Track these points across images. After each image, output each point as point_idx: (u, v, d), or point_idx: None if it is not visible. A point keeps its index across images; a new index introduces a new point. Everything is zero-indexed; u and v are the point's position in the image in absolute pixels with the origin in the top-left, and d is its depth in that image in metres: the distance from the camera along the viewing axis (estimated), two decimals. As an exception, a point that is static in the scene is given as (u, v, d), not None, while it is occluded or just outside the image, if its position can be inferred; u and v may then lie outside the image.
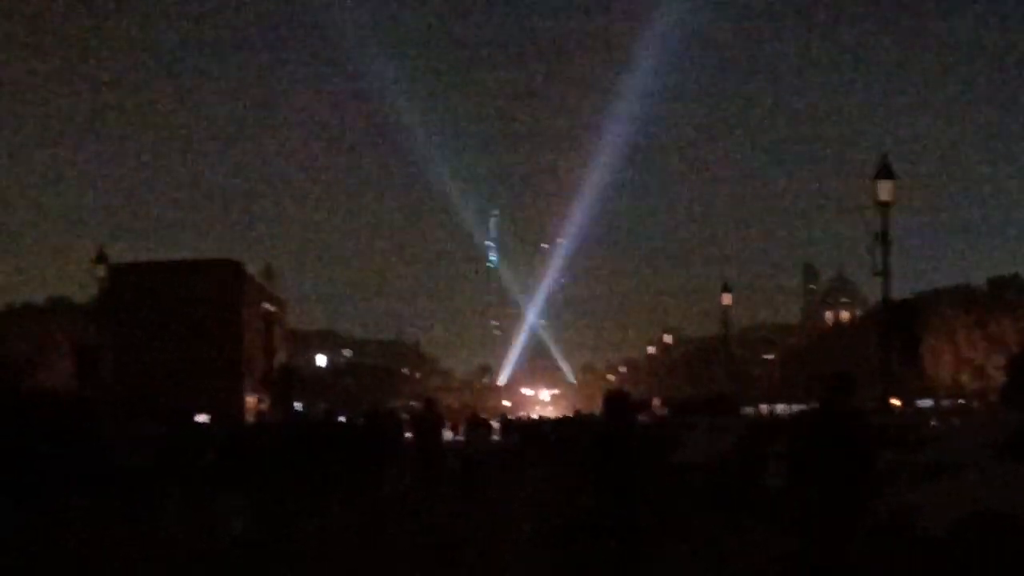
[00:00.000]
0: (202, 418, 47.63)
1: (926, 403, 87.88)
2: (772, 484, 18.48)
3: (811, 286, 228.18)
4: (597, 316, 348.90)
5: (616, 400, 8.77)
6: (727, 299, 52.71)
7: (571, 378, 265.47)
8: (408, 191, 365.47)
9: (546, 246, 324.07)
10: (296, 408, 37.89)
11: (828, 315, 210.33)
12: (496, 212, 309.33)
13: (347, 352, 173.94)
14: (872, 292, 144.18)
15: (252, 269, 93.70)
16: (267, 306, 79.94)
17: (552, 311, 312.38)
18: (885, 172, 27.50)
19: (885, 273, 26.87)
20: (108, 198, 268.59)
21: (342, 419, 26.48)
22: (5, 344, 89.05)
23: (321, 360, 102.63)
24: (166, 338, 70.33)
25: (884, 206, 27.30)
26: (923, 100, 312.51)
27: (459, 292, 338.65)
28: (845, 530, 7.50)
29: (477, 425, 30.32)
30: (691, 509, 18.78)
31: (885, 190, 27.38)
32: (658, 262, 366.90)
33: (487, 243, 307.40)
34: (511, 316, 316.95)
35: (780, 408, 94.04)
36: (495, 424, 52.98)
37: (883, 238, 26.89)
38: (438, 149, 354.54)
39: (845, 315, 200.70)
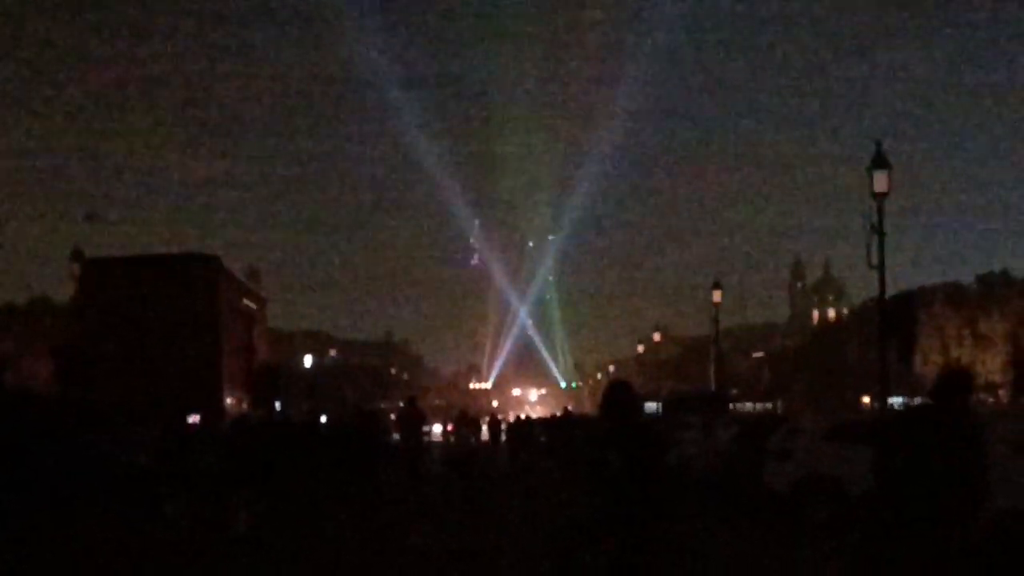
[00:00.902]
0: (193, 419, 47.07)
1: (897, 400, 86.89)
2: (773, 486, 18.02)
3: (799, 284, 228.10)
4: (586, 315, 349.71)
5: (620, 392, 7.82)
6: (717, 296, 52.08)
7: (559, 377, 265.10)
8: (396, 190, 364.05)
9: (533, 244, 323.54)
10: (276, 409, 37.16)
11: (815, 313, 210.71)
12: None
13: (334, 352, 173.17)
14: (858, 290, 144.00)
15: (236, 270, 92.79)
16: (247, 303, 78.54)
17: (540, 310, 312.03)
18: (880, 162, 26.83)
19: (881, 266, 26.23)
20: (88, 198, 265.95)
21: (324, 419, 26.22)
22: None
23: (307, 360, 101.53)
24: (141, 335, 68.38)
25: (879, 197, 26.63)
26: (912, 92, 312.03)
27: (448, 292, 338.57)
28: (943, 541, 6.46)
29: (464, 424, 29.91)
30: (693, 512, 18.20)
31: (880, 180, 26.70)
32: (647, 261, 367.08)
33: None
34: (500, 315, 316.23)
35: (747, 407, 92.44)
36: (483, 425, 52.10)
37: (879, 230, 26.26)
38: (428, 149, 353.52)
39: (832, 313, 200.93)
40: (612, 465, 7.36)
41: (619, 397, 7.69)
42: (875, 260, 26.28)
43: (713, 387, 65.90)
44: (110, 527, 18.12)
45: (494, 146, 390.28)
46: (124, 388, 51.51)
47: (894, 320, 27.08)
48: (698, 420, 26.39)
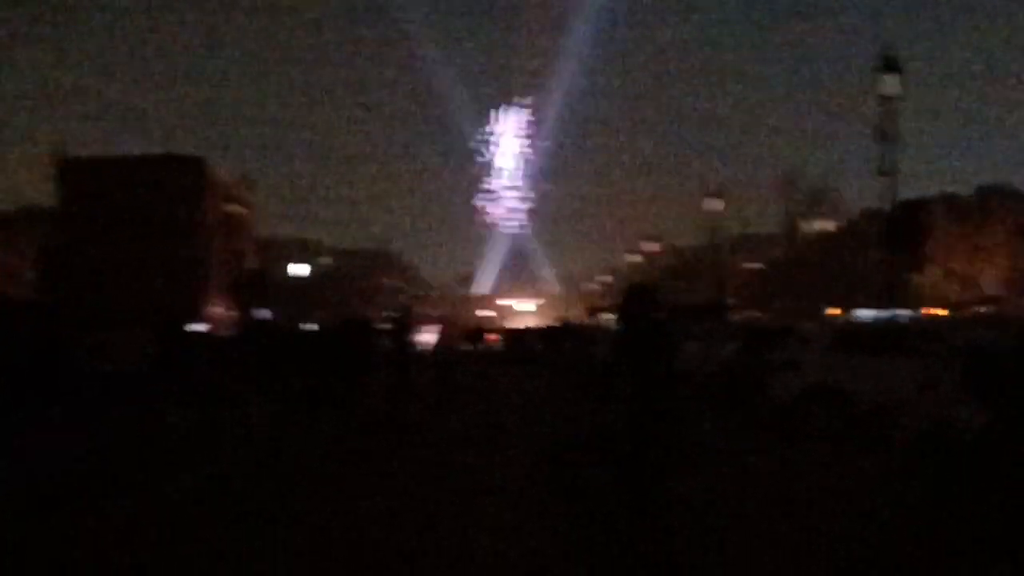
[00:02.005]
0: (199, 327, 46.44)
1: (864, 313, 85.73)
2: (777, 397, 17.51)
3: (792, 194, 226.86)
4: (581, 223, 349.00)
5: (643, 296, 7.01)
6: (717, 205, 51.23)
7: (554, 287, 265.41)
8: (389, 94, 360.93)
9: (527, 149, 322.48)
10: (261, 316, 36.30)
11: (810, 225, 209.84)
12: None
13: (325, 260, 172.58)
14: (853, 202, 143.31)
15: (227, 174, 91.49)
16: (234, 208, 76.97)
17: (535, 218, 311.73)
18: (890, 65, 26.00)
19: (892, 171, 25.42)
20: (77, 105, 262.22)
21: (313, 327, 25.92)
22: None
23: (298, 269, 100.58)
24: (121, 239, 66.44)
25: (889, 101, 25.82)
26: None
27: (444, 201, 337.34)
28: None
29: (448, 336, 29.68)
30: (698, 422, 17.61)
31: (890, 84, 25.91)
32: (643, 168, 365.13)
33: None
34: (493, 224, 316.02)
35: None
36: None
37: (892, 135, 25.40)
38: (420, 46, 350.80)
39: (824, 224, 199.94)
40: (639, 377, 6.59)
41: (644, 302, 6.91)
42: (886, 166, 25.53)
43: (712, 297, 65.37)
44: (108, 434, 17.53)
45: (487, 44, 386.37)
46: (106, 293, 50.62)
47: (902, 229, 26.35)
48: (700, 330, 25.80)
